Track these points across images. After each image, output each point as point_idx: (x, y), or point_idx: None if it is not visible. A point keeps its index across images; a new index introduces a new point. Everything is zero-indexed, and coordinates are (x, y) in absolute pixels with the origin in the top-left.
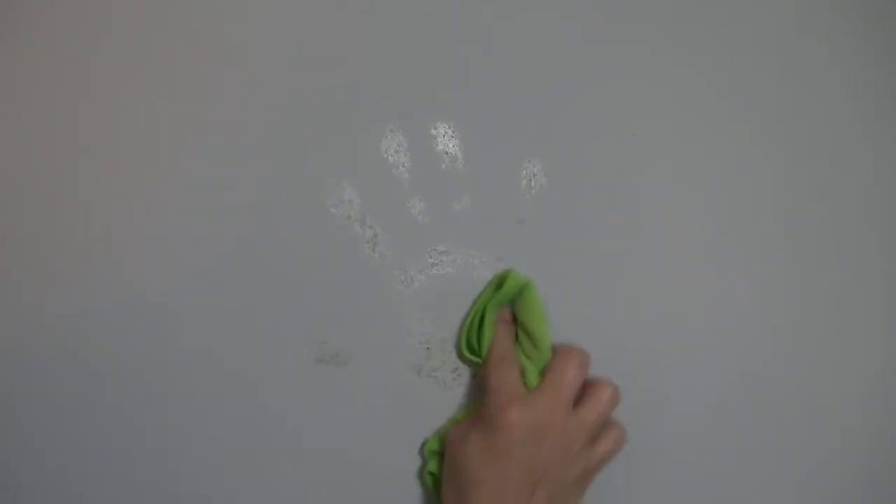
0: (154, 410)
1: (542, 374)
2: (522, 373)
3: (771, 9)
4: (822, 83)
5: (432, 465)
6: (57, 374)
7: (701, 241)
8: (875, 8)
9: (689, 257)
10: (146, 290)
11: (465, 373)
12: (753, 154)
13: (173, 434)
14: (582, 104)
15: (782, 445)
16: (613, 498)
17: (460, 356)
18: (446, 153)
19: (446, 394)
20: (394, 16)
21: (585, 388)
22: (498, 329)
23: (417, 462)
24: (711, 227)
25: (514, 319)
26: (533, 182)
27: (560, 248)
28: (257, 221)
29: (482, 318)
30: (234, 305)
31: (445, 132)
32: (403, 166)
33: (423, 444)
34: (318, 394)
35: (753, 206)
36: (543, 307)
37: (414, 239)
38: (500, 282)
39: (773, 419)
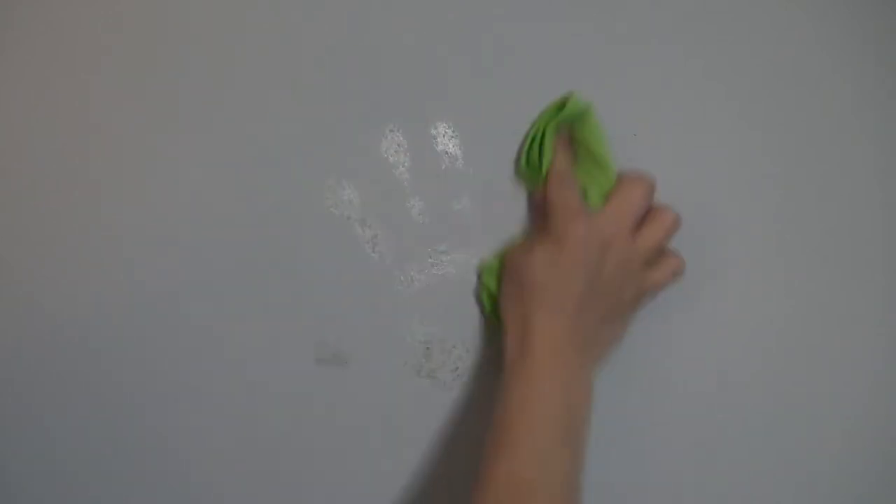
0: (154, 410)
1: (606, 195)
2: (584, 193)
3: (771, 9)
4: (824, 83)
5: (490, 282)
6: (57, 373)
7: (701, 240)
8: (878, 7)
9: (689, 257)
10: (147, 290)
11: (465, 373)
12: (753, 155)
13: (173, 433)
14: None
15: (782, 446)
16: (614, 498)
17: (519, 172)
18: (446, 153)
19: (446, 394)
20: (393, 15)
21: (648, 213)
22: (559, 148)
23: (418, 461)
24: (711, 227)
25: (572, 141)
26: None
27: None
28: (258, 222)
29: (543, 137)
30: (235, 305)
31: (445, 132)
32: (403, 166)
33: (479, 265)
34: (318, 394)
35: (754, 206)
36: (604, 129)
37: (414, 239)
38: (561, 104)
39: (773, 420)
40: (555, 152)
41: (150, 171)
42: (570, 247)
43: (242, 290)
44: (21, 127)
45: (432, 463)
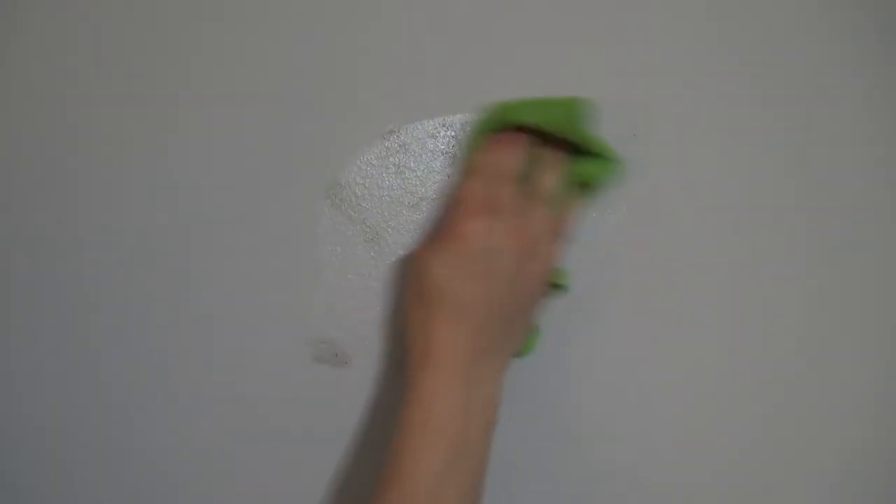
0: (154, 410)
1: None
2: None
3: (772, 8)
4: (824, 83)
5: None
6: (57, 372)
7: (701, 240)
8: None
9: (689, 257)
10: (148, 290)
11: None
12: (753, 154)
13: (172, 433)
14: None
15: (782, 446)
16: (614, 498)
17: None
18: (446, 152)
19: None
20: (394, 15)
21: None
22: (485, 143)
23: None
24: (711, 227)
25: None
26: None
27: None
28: (258, 221)
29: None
30: (234, 305)
31: (445, 132)
32: (404, 165)
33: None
34: (318, 394)
35: (754, 206)
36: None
37: (414, 239)
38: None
39: (772, 420)
40: (483, 145)
41: (149, 171)
42: (465, 247)
43: (242, 290)
44: (20, 127)
45: None
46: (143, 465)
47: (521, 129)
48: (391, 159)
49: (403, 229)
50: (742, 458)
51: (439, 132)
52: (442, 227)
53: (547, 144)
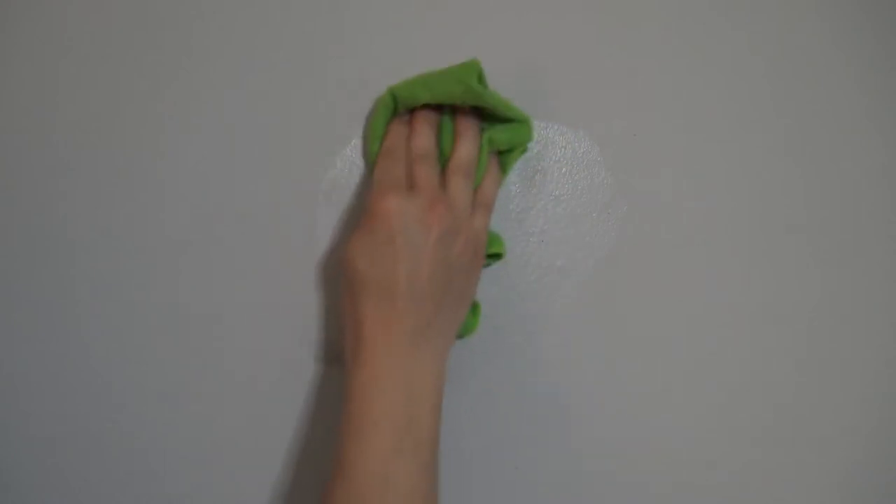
0: (154, 410)
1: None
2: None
3: (771, 8)
4: (824, 82)
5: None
6: (56, 371)
7: (700, 240)
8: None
9: (689, 257)
10: (148, 290)
11: (467, 371)
12: (753, 154)
13: (173, 433)
14: (582, 104)
15: (782, 446)
16: (615, 498)
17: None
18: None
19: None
20: (393, 15)
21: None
22: (391, 125)
23: None
24: (711, 227)
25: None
26: (535, 180)
27: (559, 248)
28: (258, 221)
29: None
30: (234, 305)
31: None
32: None
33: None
34: (318, 394)
35: (754, 207)
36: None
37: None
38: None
39: (772, 420)
40: (387, 128)
41: (149, 170)
42: (382, 228)
43: (241, 290)
44: (20, 126)
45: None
46: (143, 465)
47: (426, 106)
48: None
49: None
50: (741, 458)
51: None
52: (362, 213)
53: (456, 115)
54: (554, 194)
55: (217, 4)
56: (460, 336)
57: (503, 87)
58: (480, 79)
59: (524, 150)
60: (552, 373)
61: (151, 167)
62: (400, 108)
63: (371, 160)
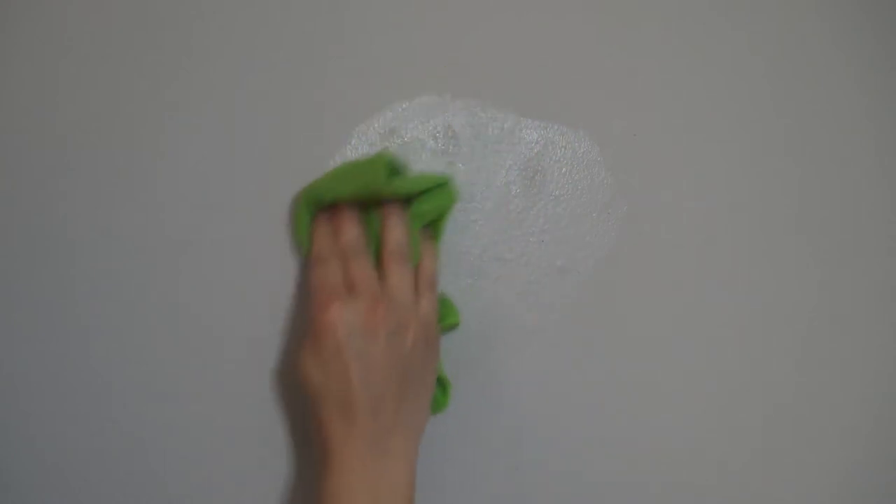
0: (154, 410)
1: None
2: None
3: (775, 7)
4: (824, 82)
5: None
6: (56, 371)
7: (700, 241)
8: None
9: (689, 257)
10: (148, 290)
11: (467, 371)
12: (753, 154)
13: (173, 433)
14: (582, 104)
15: (781, 447)
16: (615, 498)
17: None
18: (446, 153)
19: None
20: (393, 15)
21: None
22: (317, 227)
23: (419, 460)
24: (711, 228)
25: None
26: (535, 180)
27: (559, 248)
28: (258, 221)
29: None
30: (234, 305)
31: (445, 132)
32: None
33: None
34: None
35: (754, 207)
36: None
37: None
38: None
39: (772, 420)
40: (314, 232)
41: (149, 170)
42: (328, 341)
43: (241, 290)
44: (20, 126)
45: (434, 462)
46: (143, 465)
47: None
48: None
49: None
50: (742, 458)
51: (439, 132)
52: (308, 324)
53: (377, 203)
54: (554, 194)
55: (217, 4)
56: (431, 413)
57: (503, 86)
58: (393, 169)
59: (452, 208)
60: (552, 373)
61: (151, 167)
62: (316, 209)
63: (303, 255)
